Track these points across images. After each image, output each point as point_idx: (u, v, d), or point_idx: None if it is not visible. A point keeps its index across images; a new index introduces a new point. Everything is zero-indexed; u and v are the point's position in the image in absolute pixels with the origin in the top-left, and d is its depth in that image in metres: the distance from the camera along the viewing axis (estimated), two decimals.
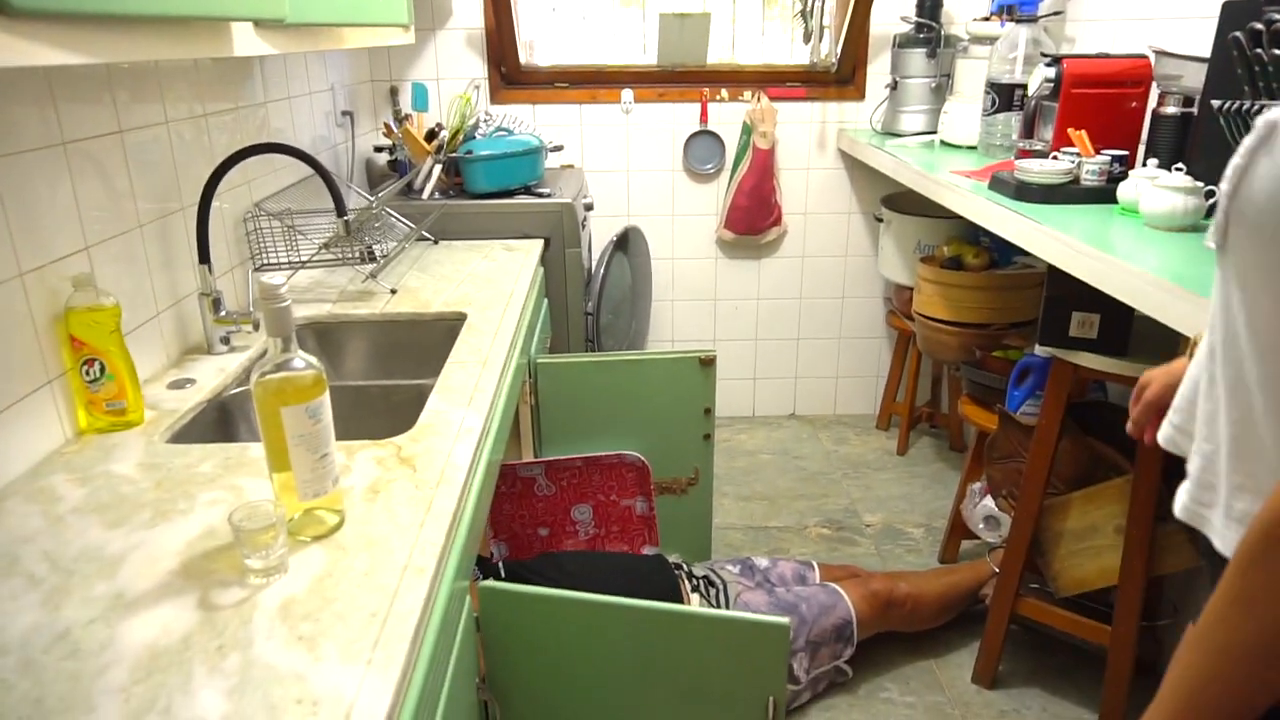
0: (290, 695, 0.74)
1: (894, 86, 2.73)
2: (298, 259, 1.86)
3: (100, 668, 0.77)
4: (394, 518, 1.02)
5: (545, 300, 2.36)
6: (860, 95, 2.89)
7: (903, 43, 2.69)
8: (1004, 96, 2.24)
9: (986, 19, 2.49)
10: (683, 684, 1.14)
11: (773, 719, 1.13)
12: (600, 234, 2.86)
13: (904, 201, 2.72)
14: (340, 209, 1.57)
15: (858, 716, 1.88)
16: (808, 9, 2.60)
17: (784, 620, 1.08)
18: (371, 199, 2.16)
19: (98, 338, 1.19)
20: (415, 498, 1.06)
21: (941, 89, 2.67)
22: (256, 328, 1.59)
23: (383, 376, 1.77)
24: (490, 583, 1.15)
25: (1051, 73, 1.82)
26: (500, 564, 1.76)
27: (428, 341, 1.74)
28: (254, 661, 0.78)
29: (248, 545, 0.89)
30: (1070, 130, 1.84)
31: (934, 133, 2.63)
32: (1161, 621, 1.87)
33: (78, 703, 0.73)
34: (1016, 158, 1.99)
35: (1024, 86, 2.13)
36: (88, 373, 1.20)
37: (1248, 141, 0.64)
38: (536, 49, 3.00)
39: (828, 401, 3.29)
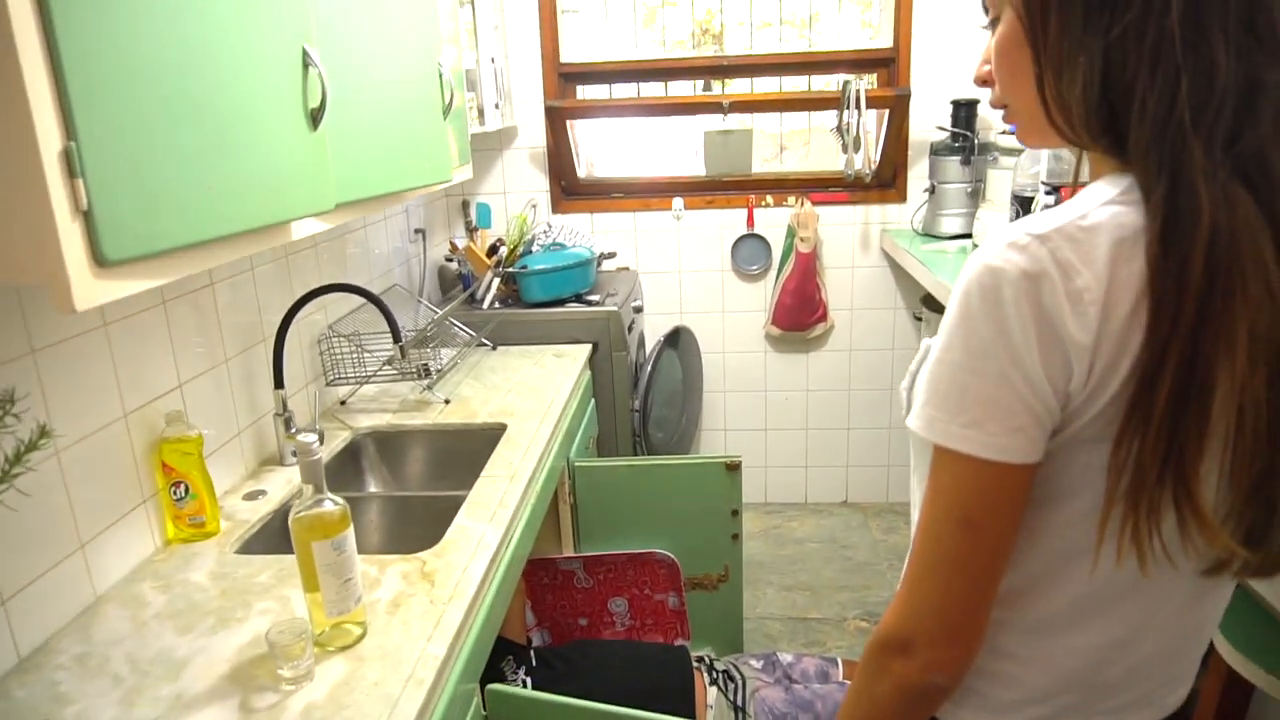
0: None
1: (932, 190, 2.85)
2: (364, 374, 2.11)
3: None
4: (408, 630, 1.20)
5: (593, 400, 2.55)
6: (902, 198, 3.01)
7: (938, 150, 2.81)
8: (1026, 209, 2.33)
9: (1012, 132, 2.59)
10: None
11: None
12: (654, 330, 3.05)
13: (941, 301, 2.81)
14: (395, 336, 1.81)
15: None
16: (842, 125, 2.76)
17: None
18: (436, 311, 2.41)
19: (184, 463, 1.44)
20: (429, 612, 1.24)
21: (978, 193, 2.77)
22: (321, 440, 1.82)
23: (434, 481, 1.98)
24: (496, 686, 1.31)
25: (1051, 200, 1.92)
26: (532, 651, 1.91)
27: (473, 449, 1.94)
28: None
29: (281, 658, 1.08)
30: None
31: (971, 235, 2.73)
32: None
33: None
34: None
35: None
36: (175, 492, 1.44)
37: (913, 365, 0.87)
38: (596, 163, 3.26)
39: (879, 489, 3.34)
